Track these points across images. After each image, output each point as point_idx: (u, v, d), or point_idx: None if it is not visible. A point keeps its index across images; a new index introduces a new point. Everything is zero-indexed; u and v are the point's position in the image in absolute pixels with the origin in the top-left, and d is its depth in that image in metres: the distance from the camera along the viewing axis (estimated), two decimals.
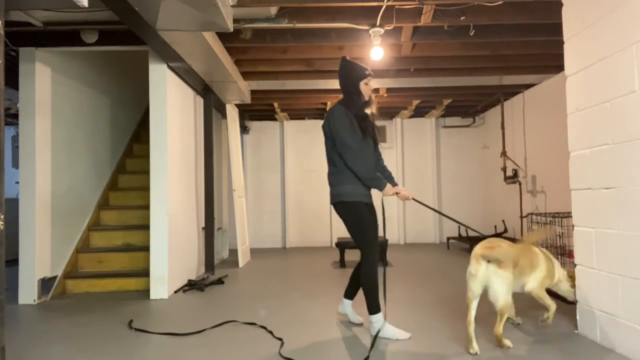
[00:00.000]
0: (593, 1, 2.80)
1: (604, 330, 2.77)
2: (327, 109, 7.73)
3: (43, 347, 2.98)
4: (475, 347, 2.72)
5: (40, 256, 4.33)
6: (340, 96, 3.26)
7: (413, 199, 3.17)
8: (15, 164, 7.93)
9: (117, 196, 5.75)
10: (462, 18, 3.95)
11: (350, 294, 3.36)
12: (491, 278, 2.73)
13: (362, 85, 3.10)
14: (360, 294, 3.17)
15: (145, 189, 4.62)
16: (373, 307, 3.00)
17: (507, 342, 2.74)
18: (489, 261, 2.73)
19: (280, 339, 2.98)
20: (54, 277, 4.55)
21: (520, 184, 6.75)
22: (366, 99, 3.13)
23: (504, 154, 7.13)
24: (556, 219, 4.50)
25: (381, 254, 6.21)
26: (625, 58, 2.54)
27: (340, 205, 3.09)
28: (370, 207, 3.19)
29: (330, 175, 3.16)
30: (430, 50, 5.01)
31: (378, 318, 3.00)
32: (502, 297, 2.72)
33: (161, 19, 3.40)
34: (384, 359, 2.65)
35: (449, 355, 2.66)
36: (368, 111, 3.16)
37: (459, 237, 7.66)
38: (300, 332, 3.16)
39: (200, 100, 5.66)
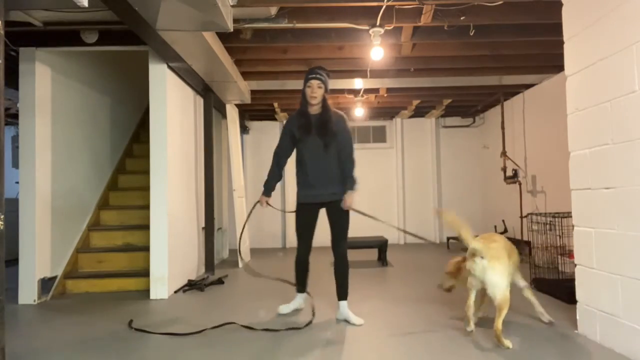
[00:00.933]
0: (593, 1, 2.80)
1: (604, 330, 2.77)
2: None
3: (43, 347, 2.98)
4: (471, 325, 2.95)
5: (40, 256, 4.33)
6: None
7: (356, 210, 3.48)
8: (15, 164, 7.92)
9: (117, 196, 5.75)
10: (462, 18, 3.95)
11: (338, 294, 3.49)
12: (486, 272, 2.81)
13: (306, 88, 3.40)
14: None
15: (145, 189, 4.62)
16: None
17: (507, 343, 2.74)
18: (482, 257, 2.83)
19: (278, 340, 2.98)
20: (54, 277, 4.55)
21: (520, 184, 6.75)
22: (309, 100, 3.40)
23: (504, 154, 7.13)
24: (556, 219, 4.49)
25: (381, 253, 6.25)
26: (625, 58, 2.54)
27: None
28: (311, 207, 3.47)
29: None
30: (430, 50, 5.01)
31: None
32: (499, 291, 2.78)
33: (161, 19, 3.40)
34: (382, 359, 2.65)
35: (449, 354, 2.66)
36: (315, 110, 3.42)
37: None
38: (300, 332, 3.16)
39: (200, 100, 5.66)
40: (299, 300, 3.70)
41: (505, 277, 2.81)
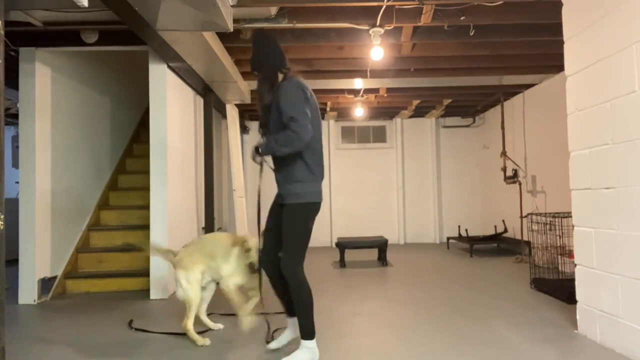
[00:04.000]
0: (593, 1, 2.80)
1: (604, 330, 2.77)
2: (327, 109, 7.74)
3: (43, 347, 2.98)
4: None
5: (40, 256, 4.33)
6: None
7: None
8: (15, 164, 7.93)
9: (117, 196, 5.75)
10: (462, 18, 3.95)
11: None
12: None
13: None
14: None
15: (145, 189, 4.63)
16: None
17: (202, 340, 2.93)
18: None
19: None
20: (54, 277, 4.55)
21: (520, 184, 6.75)
22: None
23: (504, 154, 7.13)
24: (556, 219, 4.49)
25: (381, 253, 6.25)
26: (625, 58, 2.54)
27: None
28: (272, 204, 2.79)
29: None
30: (430, 50, 5.01)
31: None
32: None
33: (161, 19, 3.40)
34: (382, 359, 2.65)
35: (448, 354, 2.66)
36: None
37: (459, 237, 7.66)
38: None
39: (200, 100, 5.66)
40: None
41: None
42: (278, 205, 2.72)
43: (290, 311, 2.78)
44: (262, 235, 2.82)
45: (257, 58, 2.69)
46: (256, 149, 2.55)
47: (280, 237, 2.62)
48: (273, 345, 2.79)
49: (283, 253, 2.58)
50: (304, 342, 2.54)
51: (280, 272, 2.58)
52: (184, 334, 3.14)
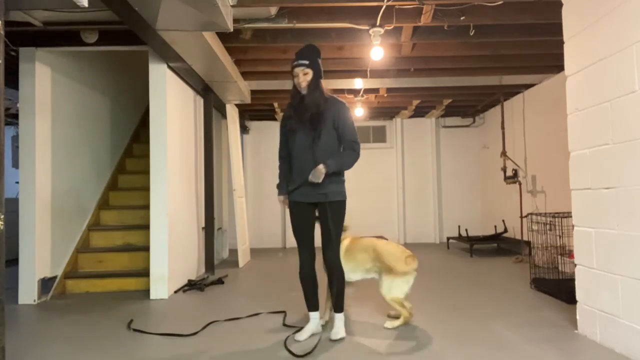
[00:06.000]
0: (593, 1, 2.80)
1: (604, 330, 2.77)
2: None
3: (43, 347, 2.98)
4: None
5: (40, 256, 4.33)
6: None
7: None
8: (15, 164, 7.93)
9: (117, 196, 5.75)
10: (462, 18, 3.95)
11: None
12: None
13: (294, 79, 3.04)
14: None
15: (145, 189, 4.63)
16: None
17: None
18: None
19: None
20: (54, 277, 4.55)
21: (520, 184, 6.75)
22: (300, 90, 3.00)
23: (504, 154, 7.13)
24: (556, 219, 4.49)
25: None
26: (625, 58, 2.54)
27: None
28: (300, 205, 3.04)
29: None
30: (430, 50, 5.01)
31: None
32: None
33: (161, 19, 3.40)
34: (383, 359, 2.65)
35: (448, 354, 2.66)
36: (305, 99, 3.00)
37: (459, 237, 7.66)
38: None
39: (200, 100, 5.66)
40: (313, 322, 3.12)
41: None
42: (309, 205, 3.05)
43: (315, 305, 3.14)
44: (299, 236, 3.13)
45: (319, 66, 3.05)
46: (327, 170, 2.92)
47: (312, 235, 3.09)
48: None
49: (331, 246, 3.02)
50: (339, 315, 3.06)
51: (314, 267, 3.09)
52: (181, 335, 3.14)
